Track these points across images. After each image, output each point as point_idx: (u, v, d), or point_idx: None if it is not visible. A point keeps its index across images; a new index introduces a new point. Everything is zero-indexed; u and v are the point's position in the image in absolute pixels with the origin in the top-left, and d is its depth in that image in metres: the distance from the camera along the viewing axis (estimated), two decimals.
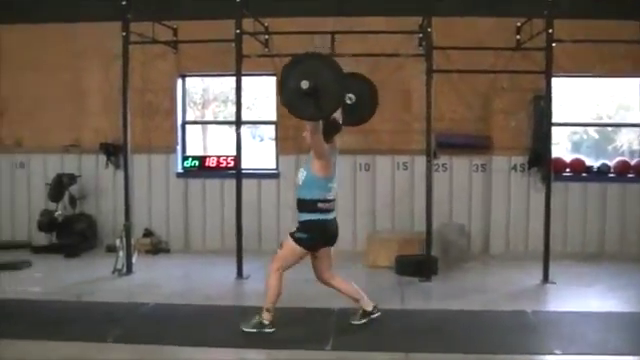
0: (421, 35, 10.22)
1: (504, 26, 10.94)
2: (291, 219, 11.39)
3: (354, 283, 7.75)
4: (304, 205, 7.23)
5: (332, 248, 7.55)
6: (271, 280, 7.27)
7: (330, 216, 7.32)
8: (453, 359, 6.53)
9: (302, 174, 7.27)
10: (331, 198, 7.28)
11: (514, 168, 11.48)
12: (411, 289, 9.18)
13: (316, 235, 7.25)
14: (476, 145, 11.43)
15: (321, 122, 6.92)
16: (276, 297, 7.26)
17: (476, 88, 11.31)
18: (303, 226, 7.23)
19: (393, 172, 11.68)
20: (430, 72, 9.58)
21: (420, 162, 10.47)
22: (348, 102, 7.97)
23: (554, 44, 9.43)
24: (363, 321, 7.46)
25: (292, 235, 7.26)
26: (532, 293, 9.04)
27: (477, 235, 11.61)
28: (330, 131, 7.20)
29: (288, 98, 6.81)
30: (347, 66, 7.14)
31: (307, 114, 6.87)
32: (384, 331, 7.33)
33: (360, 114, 8.34)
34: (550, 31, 9.39)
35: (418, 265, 9.74)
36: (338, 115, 7.31)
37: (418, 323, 7.63)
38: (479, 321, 7.68)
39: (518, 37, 10.76)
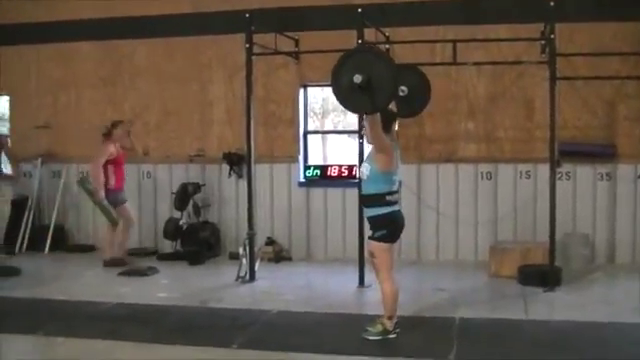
0: (544, 42, 10.08)
1: (629, 30, 10.73)
2: (416, 227, 11.49)
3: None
4: (372, 199, 7.23)
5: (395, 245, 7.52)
6: (385, 288, 7.30)
7: (397, 207, 7.32)
8: None
9: (366, 169, 7.27)
10: (396, 190, 7.27)
11: None
12: (535, 299, 9.01)
13: (391, 227, 7.24)
14: (601, 153, 11.17)
15: (379, 115, 6.86)
16: (395, 304, 7.29)
17: (601, 95, 11.04)
18: (376, 222, 7.23)
19: (515, 181, 11.49)
20: (553, 79, 9.41)
21: (543, 171, 10.29)
22: (401, 94, 8.04)
23: None
24: (378, 337, 7.26)
25: (373, 238, 7.27)
26: None
27: (601, 245, 11.29)
28: (388, 120, 7.16)
29: (341, 93, 6.79)
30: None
31: (361, 108, 6.92)
32: (508, 342, 7.24)
33: (412, 106, 8.40)
34: None
35: (542, 275, 9.57)
36: (392, 107, 7.33)
37: (542, 334, 7.50)
38: (604, 333, 7.47)
39: None
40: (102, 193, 11.19)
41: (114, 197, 11.33)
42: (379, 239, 7.23)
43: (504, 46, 10.87)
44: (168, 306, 8.96)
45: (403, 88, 8.15)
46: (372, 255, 7.38)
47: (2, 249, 12.11)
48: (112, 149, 11.32)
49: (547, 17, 9.49)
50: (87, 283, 10.41)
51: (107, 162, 11.26)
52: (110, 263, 11.24)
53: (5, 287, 9.82)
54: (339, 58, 6.87)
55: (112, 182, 11.30)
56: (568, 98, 10.80)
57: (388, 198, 7.19)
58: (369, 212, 7.30)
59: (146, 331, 7.75)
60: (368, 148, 7.49)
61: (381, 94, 6.63)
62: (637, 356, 6.77)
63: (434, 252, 11.81)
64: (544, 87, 9.75)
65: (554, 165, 9.54)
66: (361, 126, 9.22)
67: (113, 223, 11.43)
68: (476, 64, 10.85)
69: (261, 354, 7.04)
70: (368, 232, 7.47)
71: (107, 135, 11.39)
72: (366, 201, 7.36)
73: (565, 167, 11.03)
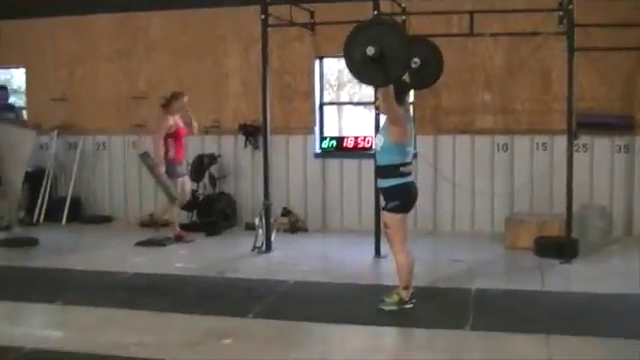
0: (562, 13, 10.00)
1: None
2: (432, 198, 11.49)
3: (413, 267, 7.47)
4: (386, 171, 7.24)
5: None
6: (400, 259, 7.30)
7: (410, 179, 7.33)
8: (594, 342, 6.37)
9: (380, 141, 7.30)
10: (409, 161, 7.29)
11: None
12: (551, 271, 9.00)
13: (404, 198, 7.24)
14: (619, 125, 11.09)
15: (392, 87, 6.82)
16: (410, 274, 7.30)
17: (619, 66, 10.95)
18: (390, 193, 7.25)
19: (532, 152, 11.46)
20: (571, 51, 9.34)
21: (560, 142, 10.25)
22: (413, 66, 8.09)
23: None
24: (394, 308, 7.29)
25: (387, 209, 7.29)
26: None
27: (619, 217, 11.26)
28: (401, 91, 7.14)
29: (354, 65, 6.75)
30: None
31: (374, 80, 6.91)
32: (524, 312, 7.26)
33: (425, 78, 8.48)
34: None
35: (558, 247, 9.55)
36: (405, 78, 7.34)
37: (559, 305, 7.51)
38: (621, 305, 7.46)
39: None
40: (162, 168, 10.83)
41: (172, 169, 10.98)
42: (392, 210, 7.25)
43: (521, 17, 10.80)
44: (185, 276, 9.04)
45: (416, 60, 8.19)
46: (386, 226, 7.41)
47: (22, 220, 12.22)
48: (171, 121, 10.92)
49: None
50: (105, 253, 10.48)
51: (167, 135, 10.89)
52: (148, 223, 11.42)
53: (24, 257, 9.95)
54: (351, 30, 6.83)
55: (171, 154, 10.94)
56: (586, 70, 10.72)
57: (402, 169, 7.21)
58: (382, 183, 7.33)
59: (163, 301, 7.79)
60: (384, 119, 7.50)
61: (394, 66, 6.58)
62: None
63: (450, 223, 11.83)
64: (562, 58, 9.69)
65: (571, 137, 9.49)
66: (376, 97, 9.21)
67: (172, 200, 11.07)
68: (493, 35, 10.79)
69: (277, 324, 7.05)
70: (382, 203, 7.49)
71: (165, 106, 10.98)
72: (380, 172, 7.38)
73: (582, 139, 10.87)
